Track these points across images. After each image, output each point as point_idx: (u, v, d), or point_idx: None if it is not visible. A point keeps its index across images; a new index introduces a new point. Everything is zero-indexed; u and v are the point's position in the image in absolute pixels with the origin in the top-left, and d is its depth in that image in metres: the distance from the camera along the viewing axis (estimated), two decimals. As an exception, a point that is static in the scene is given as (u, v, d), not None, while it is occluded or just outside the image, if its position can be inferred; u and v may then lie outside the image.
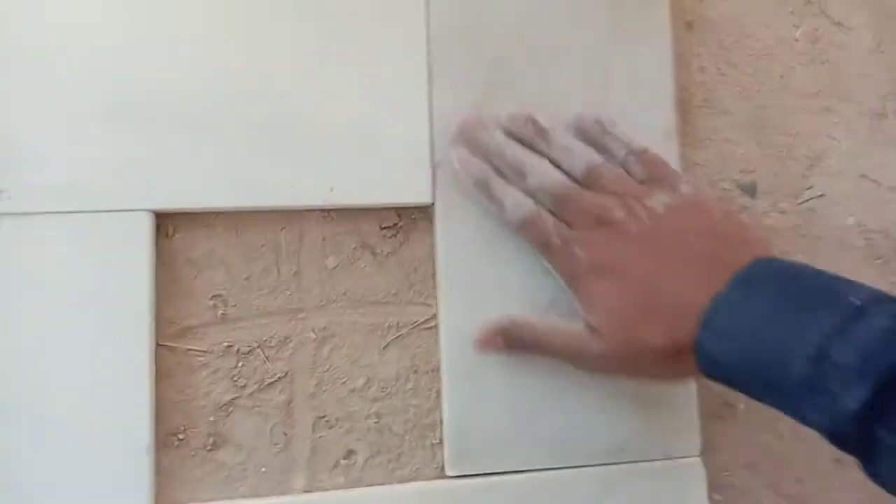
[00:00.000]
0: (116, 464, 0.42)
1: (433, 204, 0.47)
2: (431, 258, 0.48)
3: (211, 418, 0.45)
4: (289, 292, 0.47)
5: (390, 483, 0.46)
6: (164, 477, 0.44)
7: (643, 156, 0.44)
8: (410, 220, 0.49)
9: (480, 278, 0.47)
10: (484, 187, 0.44)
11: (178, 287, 0.46)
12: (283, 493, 0.45)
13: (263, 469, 0.45)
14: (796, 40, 0.57)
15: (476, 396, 0.46)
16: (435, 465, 0.47)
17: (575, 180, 0.43)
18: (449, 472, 0.46)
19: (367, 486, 0.45)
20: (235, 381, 0.45)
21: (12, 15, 0.44)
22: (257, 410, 0.45)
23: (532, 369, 0.46)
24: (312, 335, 0.47)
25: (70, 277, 0.43)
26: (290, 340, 0.46)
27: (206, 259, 0.46)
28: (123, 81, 0.45)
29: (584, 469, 0.46)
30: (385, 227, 0.48)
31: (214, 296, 0.46)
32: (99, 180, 0.44)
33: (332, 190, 0.46)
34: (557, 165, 0.44)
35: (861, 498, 0.51)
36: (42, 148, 0.44)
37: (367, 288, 0.48)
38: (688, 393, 0.48)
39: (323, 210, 0.48)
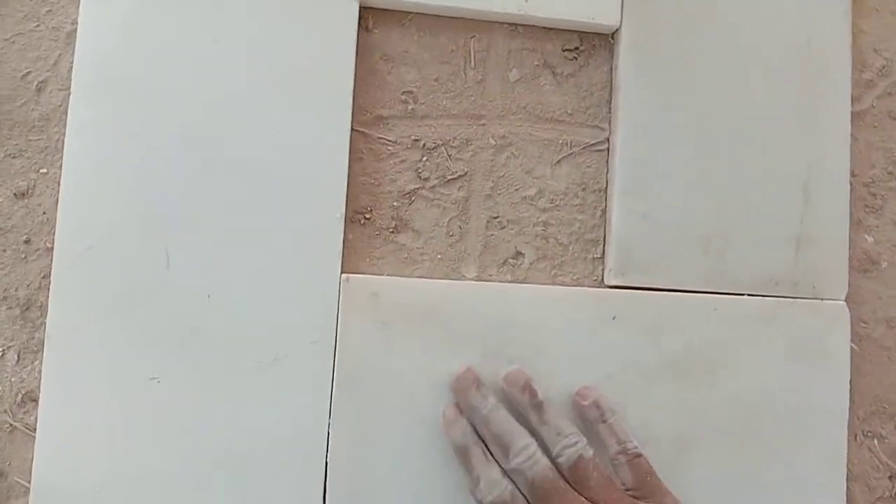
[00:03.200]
0: (315, 228, 0.45)
1: (619, 29, 0.49)
2: (608, 84, 0.50)
3: (395, 203, 0.48)
4: (473, 98, 0.49)
5: (553, 285, 0.48)
6: (349, 249, 0.47)
7: (635, 461, 0.42)
8: (591, 45, 0.50)
9: (657, 108, 0.49)
10: (463, 455, 0.42)
11: (374, 79, 0.48)
12: (456, 279, 0.47)
13: (439, 256, 0.48)
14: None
15: (641, 218, 0.48)
16: (594, 278, 0.49)
17: (558, 466, 0.41)
18: (608, 282, 0.48)
19: (532, 284, 0.48)
20: (419, 172, 0.48)
21: None
22: (437, 203, 0.48)
23: (705, 181, 0.48)
24: (492, 141, 0.49)
25: (283, 55, 0.45)
26: (471, 143, 0.49)
27: (400, 57, 0.48)
28: None
29: (737, 297, 0.48)
30: (567, 50, 0.50)
31: (405, 91, 0.48)
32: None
33: (526, 1, 0.48)
34: (544, 446, 0.41)
35: None
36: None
37: (545, 105, 0.50)
38: (841, 238, 0.50)
39: (510, 24, 0.49)
